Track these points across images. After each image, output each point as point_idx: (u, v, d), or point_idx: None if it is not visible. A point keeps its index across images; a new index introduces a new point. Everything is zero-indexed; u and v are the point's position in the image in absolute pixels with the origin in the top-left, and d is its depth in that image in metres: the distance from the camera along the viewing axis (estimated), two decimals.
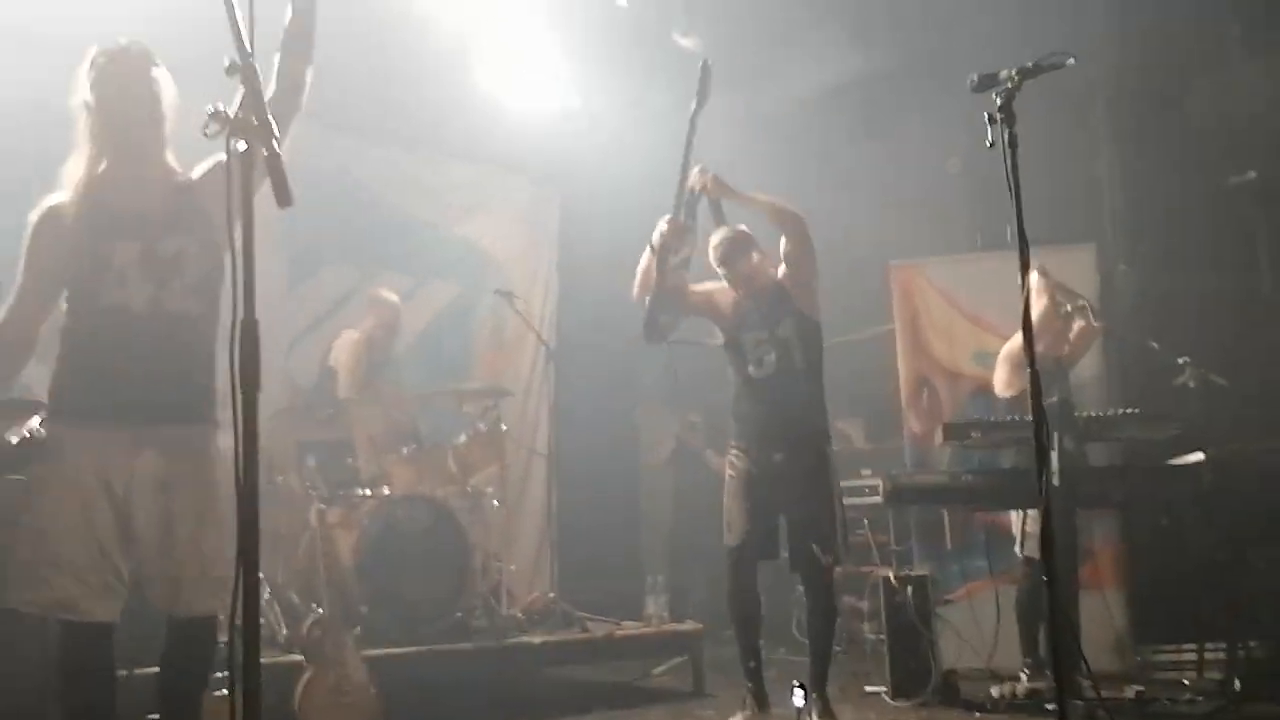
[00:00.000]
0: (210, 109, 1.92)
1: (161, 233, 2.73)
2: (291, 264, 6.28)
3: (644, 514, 8.34)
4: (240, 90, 1.94)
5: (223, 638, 3.61)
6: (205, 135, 1.92)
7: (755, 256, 4.37)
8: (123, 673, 2.79)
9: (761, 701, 4.21)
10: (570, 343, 7.56)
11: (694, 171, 4.31)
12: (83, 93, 2.77)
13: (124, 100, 2.75)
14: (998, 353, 5.19)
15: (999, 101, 2.57)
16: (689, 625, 5.47)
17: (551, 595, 5.70)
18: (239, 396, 1.87)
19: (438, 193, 7.40)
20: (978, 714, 4.41)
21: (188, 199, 2.79)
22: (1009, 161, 2.51)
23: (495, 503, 5.62)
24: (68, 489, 2.62)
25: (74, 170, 2.77)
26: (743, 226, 4.47)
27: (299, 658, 4.04)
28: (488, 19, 6.05)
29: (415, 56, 6.06)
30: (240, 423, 1.86)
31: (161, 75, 2.80)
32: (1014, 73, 2.59)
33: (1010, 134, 2.53)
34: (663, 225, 4.31)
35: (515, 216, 7.85)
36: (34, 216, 2.76)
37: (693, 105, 4.32)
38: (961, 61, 2.99)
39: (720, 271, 4.40)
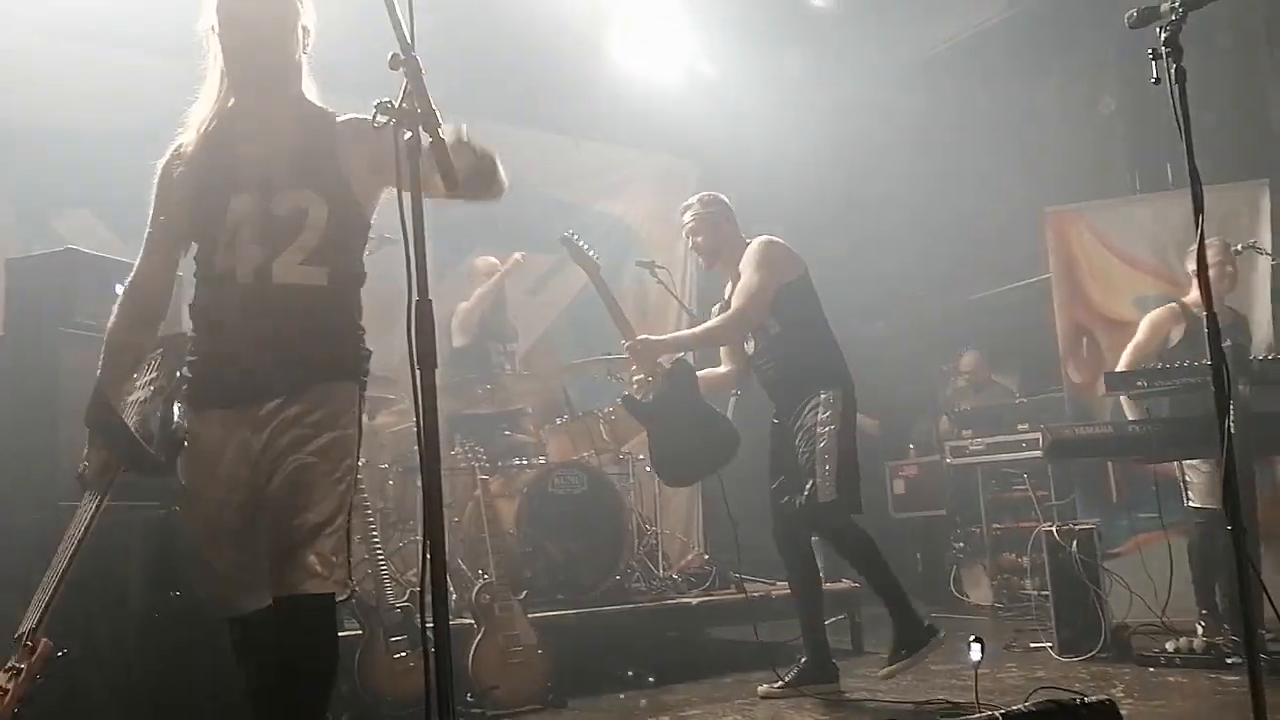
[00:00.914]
0: (377, 101, 2.00)
1: (283, 184, 2.39)
2: (442, 248, 6.49)
3: None
4: (404, 82, 2.01)
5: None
6: (374, 126, 2.00)
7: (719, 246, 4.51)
8: None
9: (820, 671, 4.17)
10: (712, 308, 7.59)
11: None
12: (209, 15, 2.46)
13: (254, 20, 2.42)
14: (1159, 299, 4.98)
15: (1164, 35, 2.45)
16: (845, 584, 5.46)
17: (705, 557, 5.78)
18: (417, 376, 1.94)
19: (576, 172, 7.53)
20: (1152, 669, 4.27)
21: (323, 145, 2.44)
22: (1177, 98, 2.40)
23: (647, 468, 5.72)
24: (203, 482, 2.39)
25: (201, 107, 2.48)
26: (721, 196, 4.62)
27: (469, 621, 4.23)
28: None
29: (550, 39, 6.19)
30: (420, 401, 1.92)
31: None
32: (1177, 4, 2.47)
33: (1177, 69, 2.41)
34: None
35: (653, 189, 7.91)
36: (160, 162, 2.50)
37: (585, 275, 4.72)
38: None
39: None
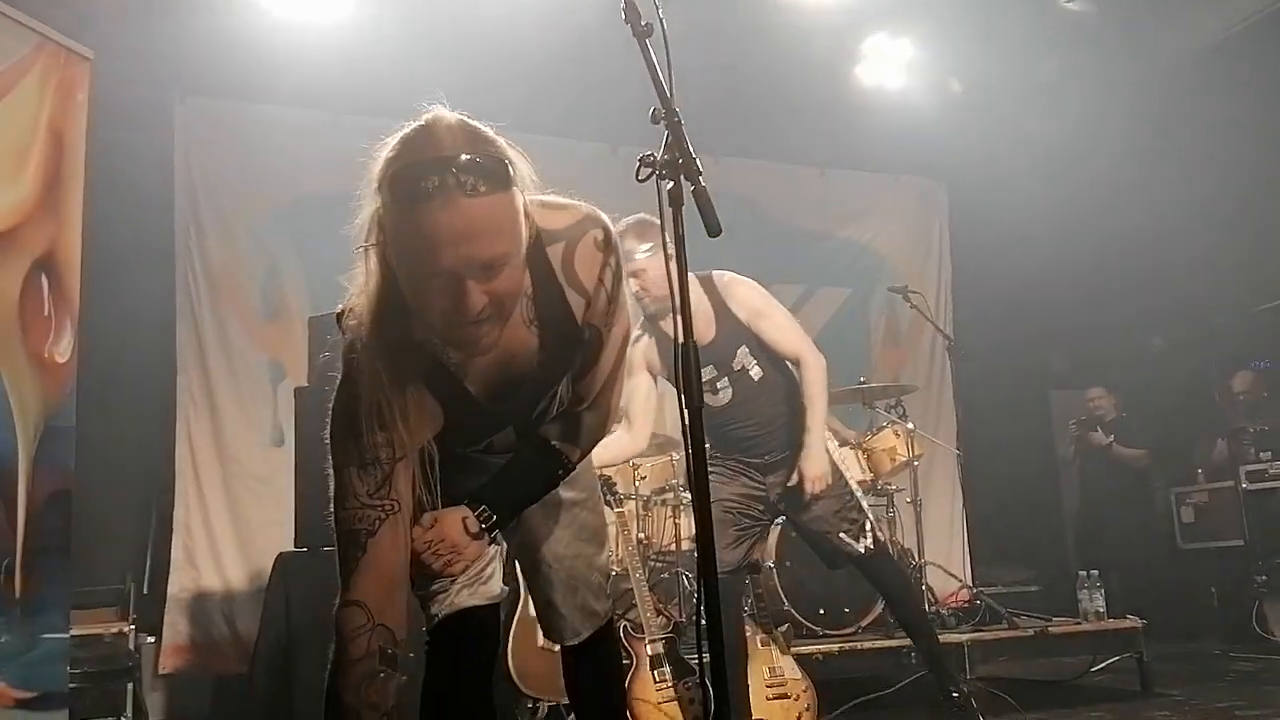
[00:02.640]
0: (640, 155, 2.09)
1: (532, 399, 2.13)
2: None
3: (1064, 504, 7.94)
4: (665, 134, 2.10)
5: None
6: (637, 180, 2.10)
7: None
8: None
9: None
10: (970, 332, 7.36)
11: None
12: (371, 206, 1.70)
13: (457, 244, 1.58)
14: None
15: None
16: (1129, 621, 5.10)
17: (976, 590, 5.56)
18: (685, 414, 2.00)
19: (822, 201, 7.53)
20: None
21: (567, 342, 2.05)
22: None
23: (907, 500, 5.60)
24: None
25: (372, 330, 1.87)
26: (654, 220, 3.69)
27: None
28: (860, 18, 6.06)
29: (790, 71, 6.22)
30: (689, 439, 1.98)
31: (519, 171, 1.74)
32: None
33: None
34: None
35: (902, 212, 7.79)
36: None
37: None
38: None
39: None
